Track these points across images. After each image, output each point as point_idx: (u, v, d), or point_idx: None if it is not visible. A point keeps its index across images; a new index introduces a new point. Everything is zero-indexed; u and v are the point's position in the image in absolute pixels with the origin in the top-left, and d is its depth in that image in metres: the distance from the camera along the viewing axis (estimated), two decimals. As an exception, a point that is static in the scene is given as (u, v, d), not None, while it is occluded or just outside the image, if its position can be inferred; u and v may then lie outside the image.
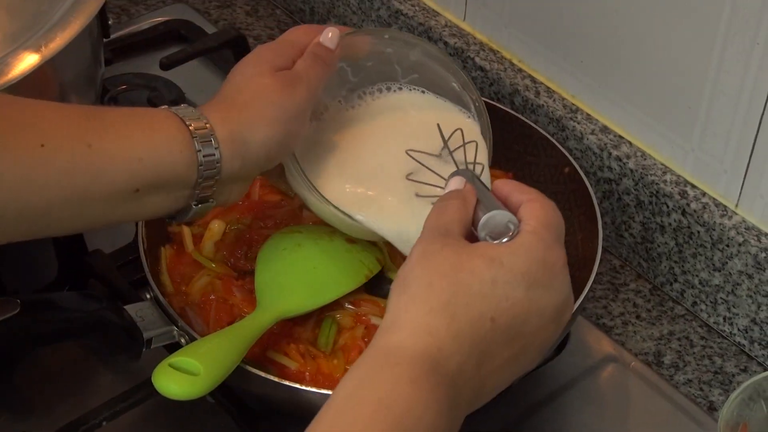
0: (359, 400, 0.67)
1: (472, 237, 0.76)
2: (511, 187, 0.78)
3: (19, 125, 0.76)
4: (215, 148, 0.81)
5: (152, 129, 0.80)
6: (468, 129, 0.92)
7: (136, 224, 0.95)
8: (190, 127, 0.81)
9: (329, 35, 0.89)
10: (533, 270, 0.72)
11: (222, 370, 0.81)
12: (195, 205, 0.84)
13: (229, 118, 0.83)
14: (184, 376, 0.79)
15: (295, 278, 0.92)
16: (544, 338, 0.74)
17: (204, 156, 0.81)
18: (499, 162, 1.06)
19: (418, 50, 0.94)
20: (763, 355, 1.00)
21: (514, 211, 0.76)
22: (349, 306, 0.92)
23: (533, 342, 0.73)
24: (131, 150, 0.79)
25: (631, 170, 1.03)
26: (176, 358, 0.80)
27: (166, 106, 0.84)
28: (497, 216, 0.74)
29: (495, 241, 0.74)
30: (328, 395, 0.84)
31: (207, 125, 0.81)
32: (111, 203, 0.79)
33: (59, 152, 0.76)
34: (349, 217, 0.88)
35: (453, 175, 0.81)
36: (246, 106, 0.84)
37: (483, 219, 0.74)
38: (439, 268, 0.71)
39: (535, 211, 0.75)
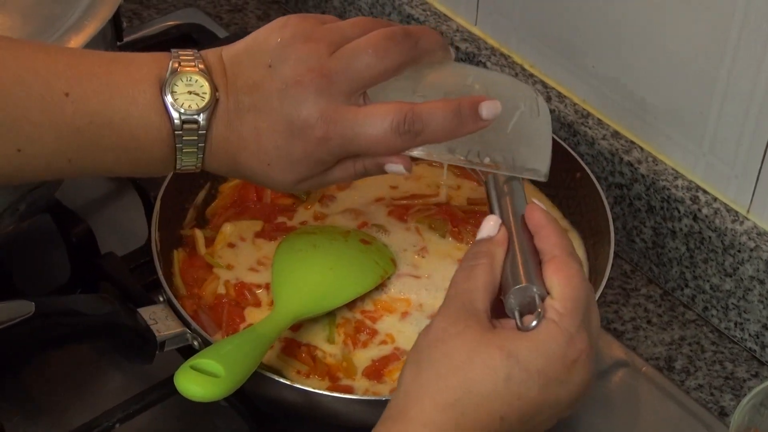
0: None
1: (499, 303, 0.75)
2: (537, 224, 0.76)
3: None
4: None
5: (138, 146, 0.78)
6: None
7: (149, 228, 0.96)
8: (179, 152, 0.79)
9: (396, 168, 0.81)
10: (550, 368, 0.70)
11: (243, 371, 0.81)
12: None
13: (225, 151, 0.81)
14: (206, 377, 0.79)
15: (312, 279, 0.92)
16: (558, 415, 0.73)
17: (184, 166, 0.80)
18: (511, 167, 1.06)
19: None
20: (774, 360, 1.01)
21: (539, 261, 0.74)
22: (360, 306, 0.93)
23: (546, 421, 0.72)
24: (116, 163, 0.79)
25: (643, 175, 1.03)
26: (197, 360, 0.80)
27: (170, 101, 0.78)
28: (524, 291, 0.73)
29: (520, 324, 0.72)
30: (339, 398, 0.85)
31: (196, 159, 0.79)
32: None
33: (36, 159, 0.76)
34: None
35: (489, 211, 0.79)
36: (253, 172, 0.81)
37: (510, 294, 0.73)
38: (455, 357, 0.70)
39: (561, 284, 0.72)
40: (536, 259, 0.75)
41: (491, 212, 0.80)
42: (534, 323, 0.71)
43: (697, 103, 0.99)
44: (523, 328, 0.71)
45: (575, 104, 1.10)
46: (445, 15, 1.18)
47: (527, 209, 0.78)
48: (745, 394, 0.87)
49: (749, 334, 1.01)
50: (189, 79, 0.77)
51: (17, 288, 1.00)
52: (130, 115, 0.77)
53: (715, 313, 1.04)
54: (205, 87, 0.78)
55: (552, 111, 1.09)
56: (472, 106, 0.79)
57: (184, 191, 1.01)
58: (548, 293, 0.73)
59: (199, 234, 0.99)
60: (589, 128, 1.07)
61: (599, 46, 1.05)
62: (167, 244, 0.97)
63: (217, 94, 0.78)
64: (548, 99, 1.10)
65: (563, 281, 0.72)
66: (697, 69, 0.97)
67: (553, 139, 1.03)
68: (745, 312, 1.00)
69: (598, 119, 1.08)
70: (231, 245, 0.99)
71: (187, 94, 0.77)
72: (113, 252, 1.00)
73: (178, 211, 1.00)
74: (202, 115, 0.77)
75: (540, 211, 0.77)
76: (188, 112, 0.77)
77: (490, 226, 0.77)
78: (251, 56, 0.79)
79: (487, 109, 0.79)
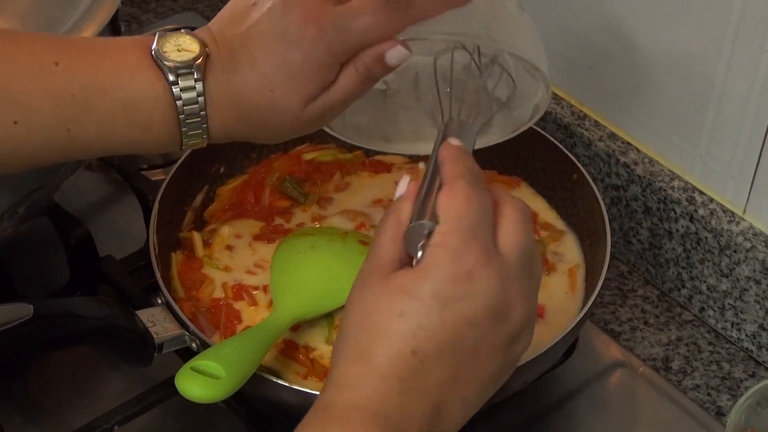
0: None
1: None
2: (441, 159, 0.73)
3: None
4: (203, 136, 0.79)
5: (138, 116, 0.77)
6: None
7: (147, 231, 0.96)
8: (182, 118, 0.77)
9: (396, 53, 0.78)
10: (442, 289, 0.67)
11: (243, 372, 0.81)
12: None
13: (231, 123, 0.79)
14: (206, 379, 0.80)
15: (311, 280, 0.93)
16: (502, 339, 0.69)
17: (189, 138, 0.79)
18: (508, 168, 1.07)
19: None
20: (771, 360, 1.01)
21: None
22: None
23: (487, 350, 0.69)
24: (110, 134, 0.77)
25: (639, 177, 1.04)
26: (198, 362, 0.81)
27: (168, 66, 0.77)
28: (415, 229, 0.70)
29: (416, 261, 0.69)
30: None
31: (200, 119, 0.78)
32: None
33: (35, 132, 0.75)
34: None
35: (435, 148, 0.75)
36: (254, 125, 0.79)
37: (405, 236, 0.70)
38: (354, 314, 0.69)
39: (444, 206, 0.70)
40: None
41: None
42: (419, 254, 0.69)
43: (693, 105, 0.99)
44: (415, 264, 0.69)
45: (572, 106, 1.10)
46: (442, 17, 1.19)
47: (440, 149, 0.74)
48: (742, 394, 0.87)
49: (746, 335, 1.02)
50: (177, 40, 0.77)
51: (16, 290, 1.00)
52: (120, 75, 0.76)
53: (711, 313, 1.04)
54: (194, 44, 0.77)
55: (549, 113, 1.10)
56: None
57: (182, 194, 1.02)
58: (436, 219, 0.70)
59: (197, 237, 1.00)
60: (586, 130, 1.08)
61: (596, 48, 1.06)
62: (165, 247, 0.97)
63: (207, 49, 0.77)
64: (545, 101, 1.11)
65: (447, 203, 0.69)
66: (693, 71, 0.98)
67: (550, 140, 1.04)
68: (741, 312, 1.01)
69: (595, 121, 1.08)
70: (229, 247, 0.99)
71: (177, 51, 0.77)
72: (112, 255, 1.01)
73: (177, 214, 1.01)
74: (195, 66, 0.76)
75: (448, 148, 0.74)
76: (180, 63, 0.76)
77: (401, 186, 0.74)
78: (232, 9, 0.79)
79: None
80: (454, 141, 0.75)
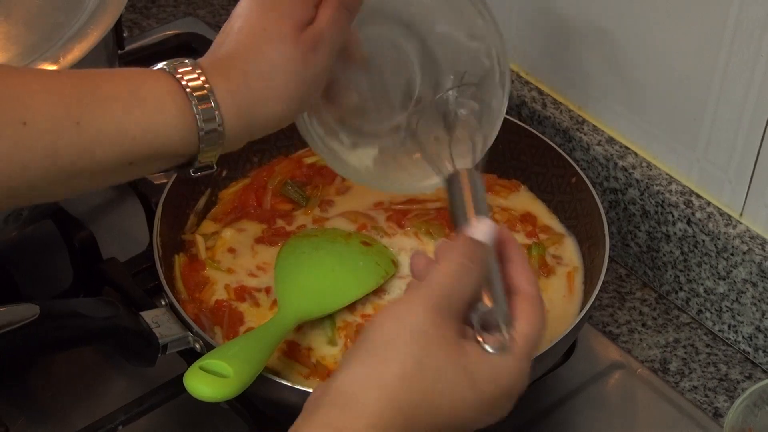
0: None
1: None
2: (512, 251, 0.77)
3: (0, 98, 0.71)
4: (218, 125, 0.75)
5: (147, 100, 0.74)
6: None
7: (150, 233, 0.96)
8: (194, 104, 0.75)
9: None
10: (497, 398, 0.71)
11: (250, 371, 0.83)
12: (194, 172, 0.78)
13: (239, 91, 0.76)
14: (215, 378, 0.81)
15: (315, 281, 0.94)
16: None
17: (206, 132, 0.75)
18: (507, 172, 1.07)
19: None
20: (768, 362, 1.02)
21: (508, 284, 0.75)
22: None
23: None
24: (124, 126, 0.73)
25: (637, 180, 1.05)
26: (206, 361, 0.82)
27: (164, 67, 0.77)
28: (492, 312, 0.73)
29: (482, 340, 0.72)
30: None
31: (211, 102, 0.75)
32: (101, 176, 0.75)
33: (44, 133, 0.71)
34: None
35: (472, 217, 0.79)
36: (260, 78, 0.77)
37: (480, 310, 0.73)
38: (426, 363, 0.69)
39: (529, 323, 0.74)
40: (503, 282, 0.76)
41: (460, 212, 0.79)
42: (496, 349, 0.72)
43: (690, 109, 1.00)
44: (485, 346, 0.72)
45: (570, 111, 1.11)
46: (441, 23, 1.19)
47: (501, 232, 0.77)
48: (739, 395, 0.88)
49: (742, 336, 1.02)
50: (176, 60, 0.77)
51: (20, 292, 1.01)
52: (130, 71, 0.76)
53: (709, 315, 1.05)
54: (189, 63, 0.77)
55: (548, 117, 1.11)
56: None
57: (185, 197, 1.02)
58: (513, 322, 0.74)
59: (200, 239, 1.00)
60: (584, 134, 1.09)
61: (594, 54, 1.06)
62: (168, 250, 0.98)
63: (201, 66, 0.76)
64: (544, 105, 1.11)
65: (531, 320, 0.74)
66: (690, 75, 0.98)
67: (549, 144, 1.05)
68: (738, 314, 1.02)
69: (593, 125, 1.09)
70: (231, 250, 1.00)
71: (175, 61, 0.77)
72: (115, 258, 1.01)
73: (179, 217, 1.02)
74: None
75: (513, 239, 0.78)
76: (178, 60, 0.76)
77: (485, 231, 0.76)
78: (222, 34, 0.80)
79: None
80: (505, 228, 0.80)
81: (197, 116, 0.75)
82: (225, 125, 0.76)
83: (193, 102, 0.75)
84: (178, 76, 0.75)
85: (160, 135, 0.74)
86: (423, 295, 0.71)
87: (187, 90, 0.75)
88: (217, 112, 0.75)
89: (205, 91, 0.75)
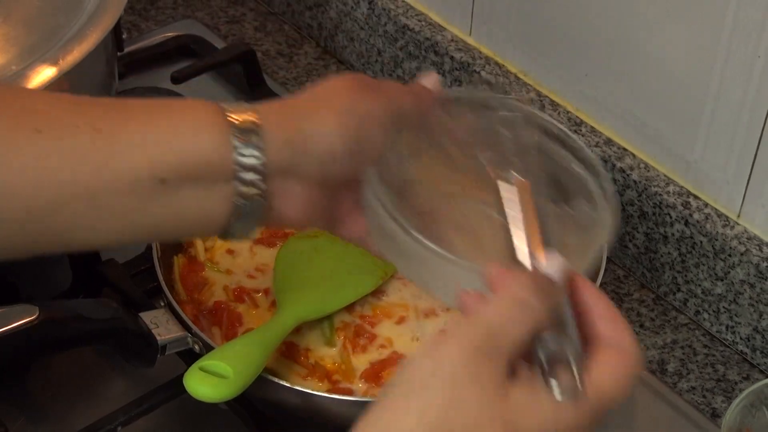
0: None
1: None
2: (598, 302, 0.65)
3: (10, 110, 0.67)
4: (255, 133, 0.69)
5: (174, 111, 0.69)
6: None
7: (149, 234, 0.97)
8: (228, 116, 0.69)
9: (429, 76, 0.77)
10: None
11: (250, 372, 0.83)
12: (241, 203, 0.70)
13: (283, 110, 0.72)
14: (215, 378, 0.82)
15: (314, 281, 0.94)
16: None
17: (239, 140, 0.69)
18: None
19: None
20: (765, 363, 1.02)
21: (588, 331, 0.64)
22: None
23: None
24: (147, 133, 0.68)
25: (635, 182, 1.05)
26: (206, 362, 0.82)
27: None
28: (566, 351, 0.62)
29: (554, 387, 0.61)
30: (340, 400, 0.86)
31: (247, 110, 0.70)
32: (133, 198, 0.68)
33: (59, 139, 0.66)
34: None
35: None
36: (309, 98, 0.73)
37: (548, 342, 0.62)
38: (464, 410, 0.59)
39: (607, 372, 0.62)
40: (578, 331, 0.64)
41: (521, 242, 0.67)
42: (560, 393, 0.61)
43: (688, 111, 1.00)
44: (552, 386, 0.61)
45: (569, 112, 1.11)
46: (439, 25, 1.20)
47: (575, 274, 0.65)
48: (737, 396, 0.88)
49: (740, 337, 1.03)
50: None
51: (20, 294, 1.01)
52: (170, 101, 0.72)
53: (706, 316, 1.05)
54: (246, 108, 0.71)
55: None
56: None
57: (184, 199, 1.02)
58: (587, 367, 0.62)
59: (198, 241, 1.01)
60: (583, 135, 1.09)
61: (592, 55, 1.07)
62: (168, 251, 0.98)
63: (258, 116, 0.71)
64: (542, 107, 1.12)
65: (613, 371, 0.63)
66: (688, 77, 0.99)
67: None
68: (736, 315, 1.02)
69: (591, 127, 1.10)
70: (230, 251, 1.00)
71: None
72: (114, 259, 1.01)
73: (179, 218, 1.02)
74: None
75: (591, 284, 0.66)
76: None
77: (556, 265, 0.64)
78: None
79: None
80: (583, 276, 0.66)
81: (232, 128, 0.69)
82: (263, 132, 0.70)
83: (228, 116, 0.70)
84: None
85: (185, 137, 0.69)
86: (463, 333, 0.60)
87: (221, 108, 0.71)
88: (254, 122, 0.70)
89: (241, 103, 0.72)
